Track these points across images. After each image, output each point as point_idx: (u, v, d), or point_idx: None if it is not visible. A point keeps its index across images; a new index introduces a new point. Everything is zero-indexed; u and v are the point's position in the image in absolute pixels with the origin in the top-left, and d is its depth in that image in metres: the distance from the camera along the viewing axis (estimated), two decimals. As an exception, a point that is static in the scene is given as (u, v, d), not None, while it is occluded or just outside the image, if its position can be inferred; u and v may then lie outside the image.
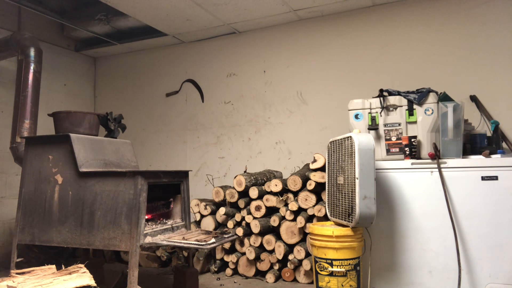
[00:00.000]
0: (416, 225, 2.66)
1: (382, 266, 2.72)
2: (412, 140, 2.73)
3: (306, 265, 3.09)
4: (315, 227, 2.63)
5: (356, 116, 2.94)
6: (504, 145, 3.04)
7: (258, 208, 3.35)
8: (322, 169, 3.15)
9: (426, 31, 3.51)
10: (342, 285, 2.47)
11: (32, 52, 3.38)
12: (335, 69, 3.84)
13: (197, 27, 4.16)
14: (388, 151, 2.85)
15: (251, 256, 3.29)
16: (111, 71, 5.15)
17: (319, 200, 3.18)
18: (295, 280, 3.21)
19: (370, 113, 2.90)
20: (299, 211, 3.20)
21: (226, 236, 2.72)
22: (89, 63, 5.16)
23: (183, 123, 4.60)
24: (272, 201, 3.32)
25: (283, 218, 3.29)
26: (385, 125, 2.86)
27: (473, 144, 2.85)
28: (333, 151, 2.82)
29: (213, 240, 2.51)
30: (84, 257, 3.47)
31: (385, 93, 2.92)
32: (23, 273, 2.03)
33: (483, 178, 2.51)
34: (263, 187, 3.47)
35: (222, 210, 3.44)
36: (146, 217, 2.66)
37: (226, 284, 3.18)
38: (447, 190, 2.57)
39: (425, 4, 3.53)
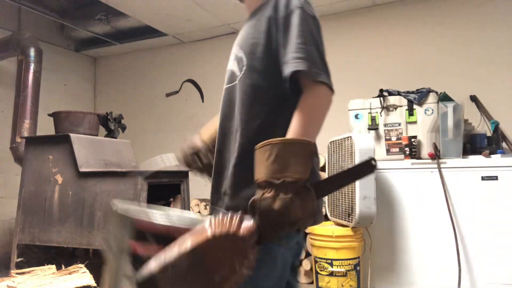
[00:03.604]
0: (416, 225, 2.65)
1: (382, 266, 2.72)
2: (412, 140, 2.72)
3: (306, 265, 3.08)
4: (315, 227, 2.63)
5: (356, 116, 2.94)
6: (504, 145, 3.04)
7: (258, 208, 3.34)
8: (322, 169, 3.15)
9: (426, 31, 3.51)
10: (342, 285, 2.47)
11: (32, 52, 3.38)
12: (335, 69, 3.80)
13: (197, 27, 4.16)
14: (388, 151, 2.85)
15: (251, 256, 3.29)
16: (111, 71, 5.14)
17: (319, 200, 3.17)
18: (295, 280, 3.21)
19: (370, 113, 2.90)
20: (299, 211, 3.20)
21: (226, 236, 2.72)
22: (89, 63, 5.16)
23: (183, 123, 4.60)
24: (272, 201, 3.31)
25: (283, 218, 3.28)
26: (385, 125, 2.86)
27: (473, 144, 2.85)
28: (333, 151, 2.82)
29: (213, 240, 2.50)
30: (84, 257, 3.46)
31: (385, 93, 2.92)
32: (23, 273, 2.03)
33: (483, 178, 2.51)
34: (263, 187, 3.46)
35: (222, 210, 3.43)
36: (146, 217, 2.66)
37: (226, 284, 3.17)
38: (447, 190, 2.57)
39: (425, 4, 3.52)
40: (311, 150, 0.92)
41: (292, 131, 0.94)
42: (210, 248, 0.80)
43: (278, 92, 1.02)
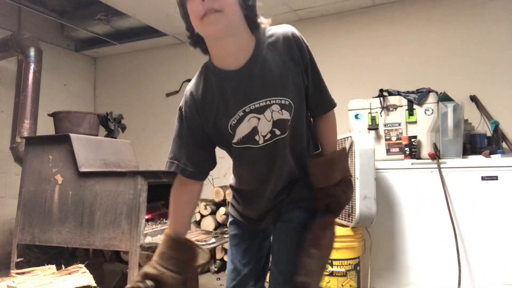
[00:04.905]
0: (416, 225, 2.65)
1: (382, 266, 2.72)
2: (412, 140, 2.73)
3: (306, 265, 3.08)
4: (315, 227, 2.62)
5: (356, 116, 2.94)
6: (504, 145, 3.04)
7: (258, 208, 3.34)
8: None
9: (426, 31, 3.51)
10: (342, 285, 2.47)
11: (32, 52, 3.38)
12: (335, 69, 3.83)
13: (197, 27, 4.16)
14: (388, 151, 2.85)
15: (251, 256, 3.29)
16: (111, 71, 5.14)
17: (319, 200, 3.17)
18: (295, 280, 3.21)
19: (370, 113, 2.90)
20: (299, 211, 3.20)
21: (226, 236, 2.72)
22: (89, 63, 5.16)
23: (183, 123, 4.59)
24: (272, 201, 3.31)
25: (283, 218, 3.28)
26: (385, 125, 2.86)
27: (473, 144, 2.85)
28: (333, 151, 2.81)
29: (213, 240, 2.51)
30: (84, 257, 3.46)
31: (385, 93, 2.92)
32: (23, 273, 2.03)
33: (483, 178, 2.51)
34: (263, 187, 3.46)
35: (222, 210, 3.43)
36: (146, 217, 2.66)
37: (226, 284, 3.17)
38: (447, 190, 2.57)
39: (425, 4, 3.52)
40: (347, 156, 1.28)
41: (333, 145, 1.28)
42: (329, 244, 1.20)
43: (304, 115, 1.23)
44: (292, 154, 1.19)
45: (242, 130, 1.13)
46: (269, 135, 1.13)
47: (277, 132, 1.13)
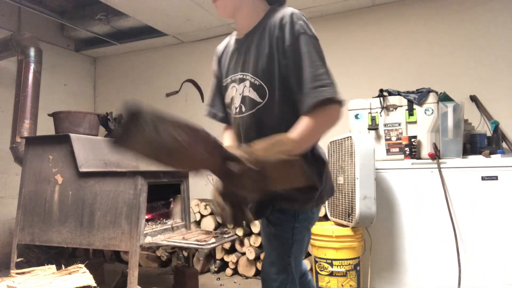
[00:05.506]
0: (416, 225, 2.65)
1: (382, 266, 2.72)
2: (412, 140, 2.72)
3: (306, 265, 3.08)
4: (315, 227, 2.62)
5: (356, 116, 2.94)
6: (504, 145, 3.04)
7: (258, 208, 3.34)
8: (322, 169, 3.14)
9: (426, 30, 3.51)
10: (342, 285, 2.47)
11: (32, 52, 3.38)
12: (335, 69, 3.80)
13: (197, 27, 4.16)
14: (388, 151, 2.85)
15: (251, 256, 3.29)
16: (111, 71, 5.14)
17: (319, 200, 3.17)
18: (295, 280, 3.20)
19: (370, 113, 2.90)
20: (299, 211, 3.19)
21: (226, 236, 2.72)
22: (89, 63, 5.16)
23: (183, 123, 4.58)
24: (272, 201, 3.31)
25: (283, 218, 3.28)
26: (385, 125, 2.86)
27: (473, 144, 2.85)
28: (333, 151, 2.82)
29: (213, 240, 2.51)
30: (84, 257, 3.46)
31: (385, 93, 2.92)
32: (23, 273, 2.03)
33: (483, 178, 2.51)
34: (263, 187, 3.46)
35: (222, 210, 3.43)
36: (146, 217, 2.66)
37: (226, 284, 3.17)
38: (447, 190, 2.57)
39: (425, 4, 3.52)
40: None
41: (305, 141, 1.05)
42: (194, 141, 0.84)
43: (292, 107, 1.13)
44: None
45: (227, 96, 1.27)
46: (238, 109, 1.20)
47: (243, 108, 1.18)
